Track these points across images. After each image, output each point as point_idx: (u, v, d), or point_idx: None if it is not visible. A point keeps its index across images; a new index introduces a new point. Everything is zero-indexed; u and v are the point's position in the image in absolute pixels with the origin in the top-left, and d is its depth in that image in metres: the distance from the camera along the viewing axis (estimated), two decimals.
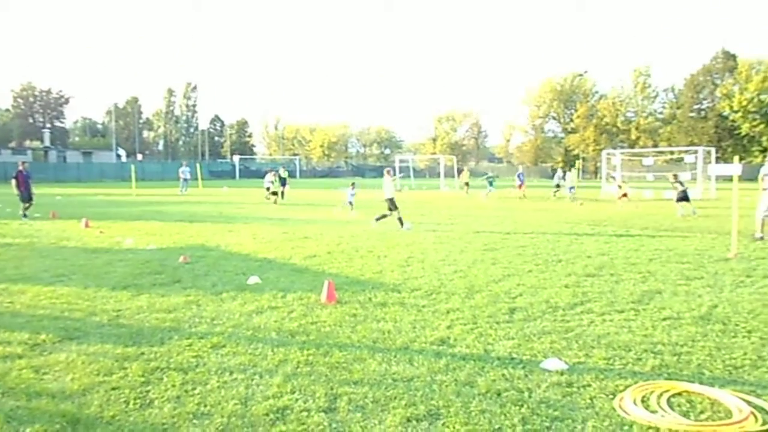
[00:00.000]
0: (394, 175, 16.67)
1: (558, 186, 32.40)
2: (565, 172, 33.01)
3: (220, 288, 8.09)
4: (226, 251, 11.54)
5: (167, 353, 5.31)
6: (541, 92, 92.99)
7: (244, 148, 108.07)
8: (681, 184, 20.41)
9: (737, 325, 6.19)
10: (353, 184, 21.71)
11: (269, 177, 27.26)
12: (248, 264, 10.05)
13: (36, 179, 19.75)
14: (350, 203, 20.98)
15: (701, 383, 4.55)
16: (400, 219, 15.36)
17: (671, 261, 10.24)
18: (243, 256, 10.90)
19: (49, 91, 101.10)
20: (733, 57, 73.66)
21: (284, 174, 28.21)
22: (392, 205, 15.44)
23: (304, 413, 4.05)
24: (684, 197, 19.78)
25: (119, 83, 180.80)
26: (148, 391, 4.44)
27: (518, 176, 33.45)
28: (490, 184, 32.17)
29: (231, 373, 4.83)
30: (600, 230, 15.23)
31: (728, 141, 70.93)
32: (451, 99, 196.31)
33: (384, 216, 15.54)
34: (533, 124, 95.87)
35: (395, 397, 4.31)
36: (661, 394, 4.29)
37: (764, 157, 64.82)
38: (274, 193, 26.53)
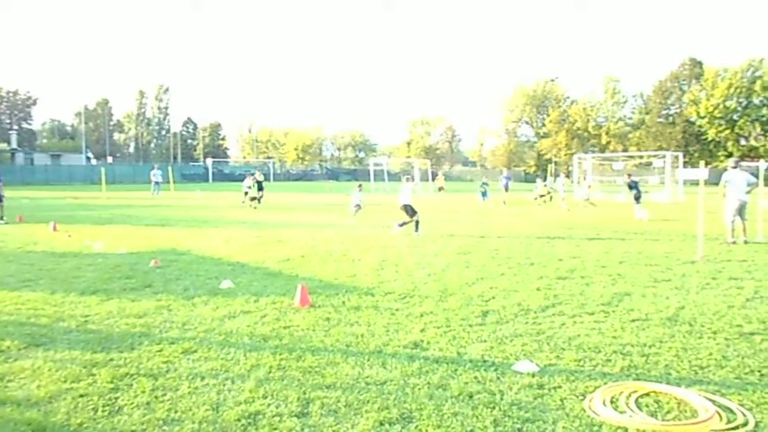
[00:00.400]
0: (413, 181, 16.54)
1: (549, 192, 30.53)
2: (555, 178, 32.48)
3: (192, 292, 7.99)
4: (199, 255, 11.41)
5: (137, 359, 5.23)
6: (513, 98, 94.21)
7: (217, 151, 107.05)
8: (633, 186, 20.95)
9: (703, 326, 6.33)
10: (360, 185, 20.83)
11: (248, 181, 26.38)
12: (221, 268, 9.95)
13: (2, 182, 19.24)
14: (358, 206, 19.96)
15: (668, 383, 4.64)
16: (417, 223, 15.15)
17: (640, 264, 10.43)
18: (216, 260, 10.79)
19: (16, 92, 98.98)
20: (700, 64, 75.52)
21: (260, 178, 27.21)
22: (411, 210, 15.27)
23: (277, 418, 4.02)
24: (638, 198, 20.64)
25: (89, 85, 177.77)
26: (117, 398, 4.36)
27: (503, 179, 31.21)
28: (484, 195, 29.86)
29: (202, 378, 4.77)
30: (571, 233, 15.44)
31: (695, 146, 72.65)
32: (426, 103, 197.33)
33: (417, 222, 15.06)
34: (506, 128, 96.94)
35: (368, 401, 4.31)
36: (629, 395, 4.37)
37: None
38: (253, 198, 25.61)
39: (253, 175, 26.86)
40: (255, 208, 24.83)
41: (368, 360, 5.24)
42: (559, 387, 4.59)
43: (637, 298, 7.67)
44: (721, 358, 5.29)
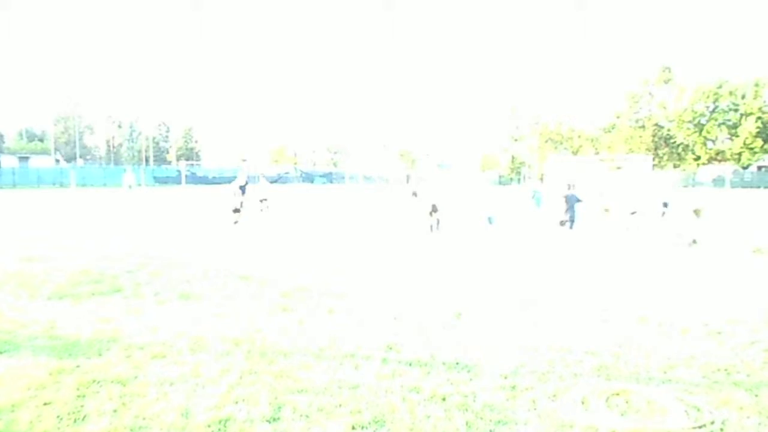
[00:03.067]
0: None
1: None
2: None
3: (162, 296, 7.86)
4: (171, 259, 11.23)
5: (104, 365, 5.11)
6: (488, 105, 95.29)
7: (190, 153, 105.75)
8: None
9: (672, 325, 6.43)
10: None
11: (233, 188, 19.26)
12: (193, 272, 9.81)
13: None
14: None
15: (638, 383, 4.69)
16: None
17: (614, 262, 10.57)
18: (188, 264, 10.63)
19: None
20: (669, 69, 77.08)
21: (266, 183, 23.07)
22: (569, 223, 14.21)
23: (248, 423, 3.96)
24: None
25: (59, 86, 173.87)
26: (82, 406, 4.25)
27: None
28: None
29: (171, 384, 4.68)
30: (549, 232, 15.56)
31: (664, 149, 74.16)
32: (400, 107, 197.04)
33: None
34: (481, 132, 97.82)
35: (340, 405, 4.27)
36: (600, 395, 4.41)
37: (698, 165, 68.16)
38: (236, 211, 18.95)
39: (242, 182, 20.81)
40: (236, 222, 18.95)
41: (341, 363, 5.20)
42: (532, 388, 4.61)
43: (608, 297, 7.76)
44: (689, 356, 5.37)
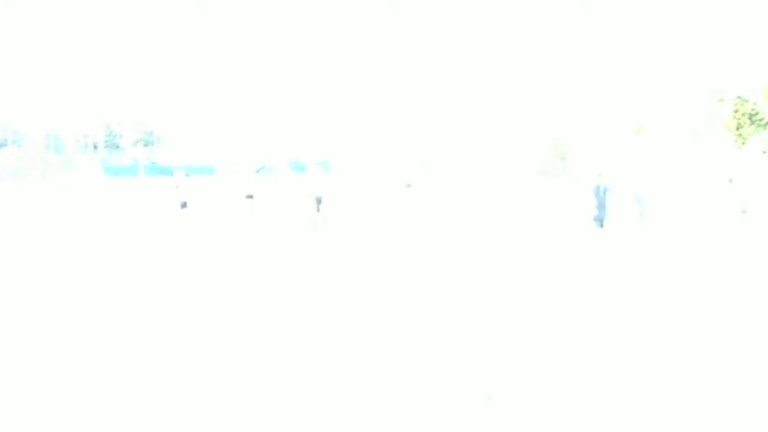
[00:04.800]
0: None
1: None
2: None
3: (175, 301, 8.25)
4: (192, 254, 11.54)
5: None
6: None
7: (149, 138, 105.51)
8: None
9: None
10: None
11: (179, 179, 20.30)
12: (210, 278, 10.17)
13: None
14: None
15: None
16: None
17: (621, 257, 10.84)
18: (202, 264, 10.98)
19: None
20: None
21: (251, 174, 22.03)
22: None
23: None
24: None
25: None
26: None
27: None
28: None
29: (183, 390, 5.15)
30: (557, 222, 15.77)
31: (749, 127, 74.06)
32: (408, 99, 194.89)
33: None
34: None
35: (351, 411, 4.71)
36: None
37: None
38: (185, 206, 19.93)
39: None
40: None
41: (349, 368, 5.59)
42: (544, 392, 5.02)
43: (623, 299, 8.09)
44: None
